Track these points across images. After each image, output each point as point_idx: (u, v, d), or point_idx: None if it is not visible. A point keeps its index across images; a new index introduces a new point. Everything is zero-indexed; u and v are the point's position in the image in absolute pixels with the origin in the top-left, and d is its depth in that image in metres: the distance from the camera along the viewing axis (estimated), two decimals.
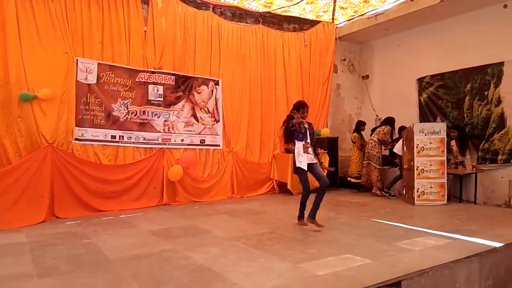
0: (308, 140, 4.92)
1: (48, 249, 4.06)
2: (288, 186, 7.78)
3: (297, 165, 4.81)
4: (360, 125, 8.39)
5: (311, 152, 4.90)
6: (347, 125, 9.63)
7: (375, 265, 3.37)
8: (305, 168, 4.78)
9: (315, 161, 4.95)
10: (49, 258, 3.76)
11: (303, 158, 4.80)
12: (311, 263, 3.46)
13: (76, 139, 6.15)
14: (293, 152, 4.92)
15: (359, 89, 9.71)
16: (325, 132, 8.84)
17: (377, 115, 9.11)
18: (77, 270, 3.42)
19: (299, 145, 4.87)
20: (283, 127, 4.97)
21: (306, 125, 4.92)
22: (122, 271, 3.40)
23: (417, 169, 6.49)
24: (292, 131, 4.89)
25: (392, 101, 8.70)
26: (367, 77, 9.55)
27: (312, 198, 4.89)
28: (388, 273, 3.13)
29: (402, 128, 7.54)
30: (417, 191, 6.47)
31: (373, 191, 7.76)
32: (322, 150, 8.37)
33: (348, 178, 8.37)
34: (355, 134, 8.31)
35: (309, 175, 4.89)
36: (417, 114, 8.25)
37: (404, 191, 7.03)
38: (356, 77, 9.74)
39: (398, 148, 7.41)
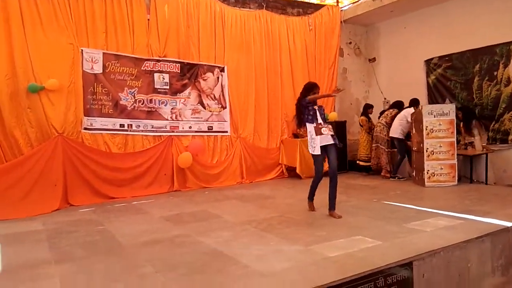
0: (320, 121, 4.67)
1: (64, 236, 4.13)
2: (297, 171, 7.78)
3: (311, 152, 4.66)
4: (367, 108, 8.32)
5: (325, 132, 4.60)
6: (354, 108, 9.56)
7: (386, 246, 3.37)
8: (319, 153, 4.60)
9: (332, 141, 4.61)
10: (65, 245, 3.83)
11: (317, 142, 4.58)
12: (322, 245, 3.47)
13: (85, 128, 6.19)
14: (308, 135, 4.71)
15: (366, 73, 9.59)
16: (333, 116, 8.78)
17: (385, 98, 9.00)
18: (92, 256, 3.48)
19: (310, 128, 4.67)
20: (296, 106, 4.76)
21: (316, 107, 4.71)
22: (136, 256, 3.45)
23: (426, 151, 6.44)
24: (303, 109, 4.67)
25: (400, 83, 8.58)
26: (373, 60, 9.41)
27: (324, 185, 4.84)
28: (399, 254, 3.13)
29: (414, 101, 7.42)
30: (427, 173, 6.43)
31: (382, 173, 7.74)
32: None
33: (357, 162, 8.35)
34: (362, 117, 8.25)
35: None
36: (426, 95, 8.14)
37: (414, 173, 6.99)
38: (362, 60, 9.61)
39: (394, 131, 7.33)
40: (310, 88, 4.82)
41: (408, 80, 8.38)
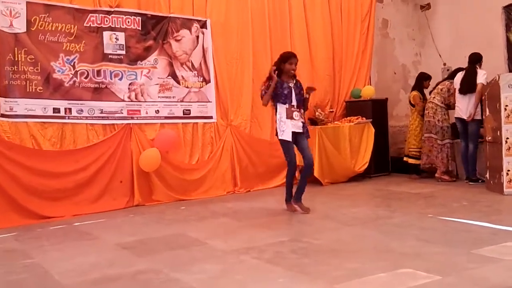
0: (294, 103, 5.66)
1: None
2: (316, 174, 7.81)
3: (279, 137, 5.68)
4: (422, 80, 8.33)
5: (297, 118, 5.67)
6: (400, 80, 9.57)
7: (447, 282, 3.40)
8: (289, 139, 5.59)
9: (301, 130, 5.70)
10: None
11: (286, 126, 5.59)
12: (354, 282, 3.50)
13: (2, 115, 6.21)
14: (276, 118, 5.73)
15: (417, 26, 9.59)
16: (368, 92, 8.81)
17: (444, 64, 9.02)
18: None
19: (281, 110, 5.65)
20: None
21: (291, 83, 5.67)
22: None
23: (506, 142, 6.48)
24: (272, 88, 5.64)
25: (467, 41, 8.57)
26: (428, 6, 9.40)
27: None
28: None
29: (475, 60, 7.41)
30: (507, 174, 6.47)
31: (436, 175, 7.81)
32: (364, 118, 8.38)
33: (405, 159, 8.39)
34: (414, 93, 8.27)
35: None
36: (505, 58, 8.15)
37: (487, 175, 7.03)
38: (411, 7, 9.60)
39: (461, 110, 7.36)
40: (286, 58, 5.70)
41: (479, 36, 8.38)
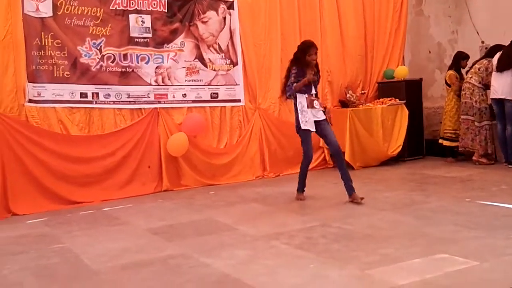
0: (313, 91, 5.73)
1: (6, 260, 4.28)
2: (347, 157, 7.74)
3: (302, 127, 5.66)
4: (459, 59, 8.16)
5: (317, 106, 5.70)
6: (435, 60, 9.39)
7: (486, 268, 3.37)
8: (312, 128, 5.64)
9: (324, 116, 5.73)
10: (8, 272, 3.97)
11: (310, 115, 5.61)
12: (387, 268, 3.50)
13: (30, 100, 6.34)
14: (295, 108, 5.73)
15: (453, 2, 9.35)
16: (402, 72, 8.68)
17: (482, 42, 8.80)
18: (49, 287, 3.61)
19: (301, 99, 5.66)
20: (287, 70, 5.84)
21: (311, 72, 5.63)
22: (113, 286, 3.55)
23: None
24: (295, 72, 5.64)
25: (506, 18, 8.34)
26: None
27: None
28: (506, 279, 3.13)
29: (496, 48, 7.24)
30: None
31: (474, 158, 7.69)
32: (397, 100, 8.28)
33: (440, 141, 8.27)
34: (451, 72, 8.12)
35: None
36: None
37: None
38: None
39: (496, 90, 7.19)
40: (306, 48, 5.67)
41: None
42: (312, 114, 5.65)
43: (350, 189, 5.58)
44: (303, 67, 5.67)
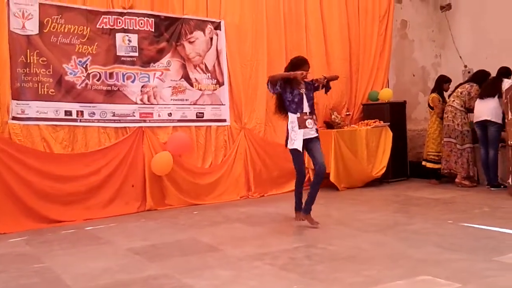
0: (306, 110, 5.47)
1: None
2: (331, 178, 7.81)
3: (289, 146, 5.51)
4: (442, 82, 8.30)
5: (310, 126, 5.47)
6: (419, 83, 9.53)
7: None
8: (299, 148, 5.42)
9: (315, 134, 5.53)
10: None
11: (298, 136, 5.41)
12: None
13: (14, 117, 6.29)
14: (287, 127, 5.55)
15: (437, 27, 9.53)
16: (386, 94, 8.78)
17: (465, 66, 8.95)
18: None
19: (292, 119, 5.46)
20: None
21: (303, 90, 5.46)
22: None
23: None
24: (282, 94, 5.50)
25: (489, 43, 8.51)
26: (448, 7, 9.34)
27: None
28: None
29: (504, 72, 7.38)
30: None
31: (456, 180, 7.77)
32: (381, 122, 8.37)
33: (423, 163, 8.35)
34: (434, 95, 8.24)
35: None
36: None
37: (510, 180, 6.98)
38: (431, 8, 9.55)
39: (488, 111, 7.31)
40: (297, 66, 5.46)
41: (501, 37, 8.31)
42: (303, 134, 5.43)
43: (308, 209, 5.51)
44: (291, 83, 5.47)
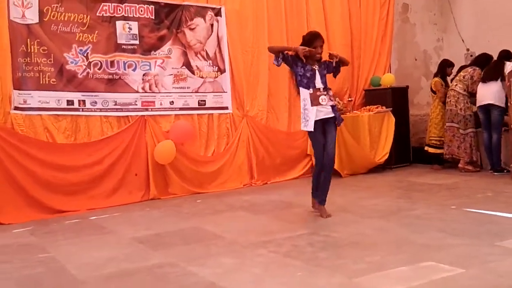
0: (319, 85, 5.08)
1: None
2: (335, 165, 7.78)
3: (302, 128, 5.18)
4: (444, 67, 8.26)
5: (324, 102, 5.06)
6: (421, 67, 9.48)
7: (471, 275, 3.40)
8: (311, 129, 5.04)
9: (331, 114, 5.11)
10: None
11: (311, 115, 5.01)
12: (374, 276, 3.51)
13: (16, 107, 6.30)
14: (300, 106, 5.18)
15: (439, 10, 9.46)
16: (388, 79, 8.75)
17: (467, 49, 8.90)
18: None
19: (304, 95, 5.08)
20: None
21: (315, 66, 5.10)
22: None
23: None
24: (291, 69, 5.14)
25: (491, 26, 8.45)
26: None
27: None
28: (491, 286, 3.16)
29: (505, 56, 7.33)
30: None
31: (459, 165, 7.76)
32: (383, 107, 8.34)
33: (426, 148, 8.34)
34: (436, 79, 8.20)
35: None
36: None
37: None
38: None
39: (491, 95, 7.28)
40: (311, 39, 5.12)
41: (503, 20, 8.25)
42: (316, 112, 5.02)
43: (322, 200, 5.27)
44: (305, 59, 5.04)
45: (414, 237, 4.41)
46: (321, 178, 5.26)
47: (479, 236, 4.29)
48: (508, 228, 4.52)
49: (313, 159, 8.05)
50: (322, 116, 5.06)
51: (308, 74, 5.08)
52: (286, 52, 5.12)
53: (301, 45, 5.14)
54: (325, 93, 5.10)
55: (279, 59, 5.12)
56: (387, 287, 3.29)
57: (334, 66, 5.29)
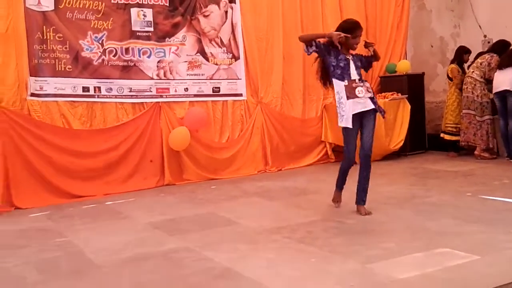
0: (354, 77, 4.67)
1: (8, 254, 4.31)
2: None
3: (339, 124, 4.77)
4: (461, 53, 8.17)
5: (361, 94, 4.62)
6: (438, 54, 9.38)
7: (486, 262, 3.39)
8: (349, 125, 4.65)
9: (371, 106, 4.67)
10: (11, 265, 4.00)
11: (347, 109, 4.61)
12: (388, 262, 3.51)
13: (32, 94, 6.36)
14: (335, 99, 4.82)
15: None
16: (404, 66, 8.68)
17: (485, 36, 8.78)
18: (52, 280, 3.63)
19: (339, 88, 4.67)
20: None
21: (349, 56, 4.72)
22: (115, 280, 3.58)
23: None
24: (324, 58, 4.73)
25: (508, 12, 8.33)
26: None
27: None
28: (506, 273, 3.14)
29: (501, 43, 7.26)
30: None
31: (476, 152, 7.70)
32: (399, 94, 8.28)
33: (441, 135, 8.28)
34: (453, 66, 8.12)
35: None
36: None
37: None
38: None
39: (500, 83, 7.19)
40: (351, 29, 4.69)
41: None
42: (352, 106, 4.60)
43: (360, 199, 4.85)
44: (341, 49, 4.68)
45: (429, 224, 4.40)
46: (359, 177, 4.83)
47: (496, 224, 4.27)
48: None
49: (327, 145, 8.17)
50: (360, 109, 4.63)
51: (341, 64, 4.66)
52: (318, 40, 4.73)
53: (338, 31, 4.71)
54: (362, 84, 4.66)
55: (311, 47, 4.71)
56: (400, 273, 3.28)
57: (367, 60, 4.95)
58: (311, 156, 8.16)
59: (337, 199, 5.20)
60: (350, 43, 4.70)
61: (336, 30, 4.73)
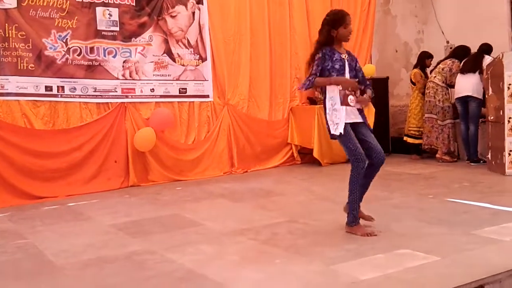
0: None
1: None
2: (315, 154, 7.85)
3: (332, 133, 4.20)
4: (424, 58, 8.34)
5: (352, 104, 4.17)
6: (401, 59, 9.55)
7: (446, 263, 3.44)
8: (342, 131, 4.12)
9: (361, 119, 4.27)
10: None
11: (341, 116, 4.13)
12: (351, 263, 3.54)
13: None
14: (324, 106, 4.27)
15: (420, 2, 9.52)
16: (369, 70, 8.77)
17: (447, 42, 8.98)
18: (11, 284, 3.54)
19: (332, 93, 4.16)
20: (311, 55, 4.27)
21: (344, 54, 4.25)
22: (77, 282, 3.51)
23: (508, 122, 6.49)
24: (319, 61, 4.16)
25: (470, 19, 8.53)
26: None
27: None
28: (465, 274, 3.19)
29: (485, 49, 7.43)
30: (510, 155, 6.50)
31: (437, 156, 7.87)
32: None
33: (404, 138, 8.42)
34: (416, 70, 8.28)
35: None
36: (509, 36, 8.11)
37: (489, 155, 7.07)
38: None
39: (469, 87, 7.33)
40: (340, 19, 4.20)
41: (484, 13, 8.33)
42: (345, 113, 4.13)
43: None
44: (332, 43, 4.21)
45: (391, 225, 4.45)
46: (367, 177, 4.35)
47: (456, 225, 4.35)
48: (484, 217, 4.59)
49: (293, 147, 8.21)
50: (352, 120, 4.19)
51: (337, 66, 4.18)
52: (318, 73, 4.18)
53: (326, 23, 4.23)
54: (352, 93, 4.20)
55: (311, 85, 4.25)
56: (363, 274, 3.31)
57: (362, 75, 4.41)
58: (277, 158, 8.19)
59: (367, 218, 4.45)
60: (344, 34, 4.21)
61: (323, 25, 4.25)
